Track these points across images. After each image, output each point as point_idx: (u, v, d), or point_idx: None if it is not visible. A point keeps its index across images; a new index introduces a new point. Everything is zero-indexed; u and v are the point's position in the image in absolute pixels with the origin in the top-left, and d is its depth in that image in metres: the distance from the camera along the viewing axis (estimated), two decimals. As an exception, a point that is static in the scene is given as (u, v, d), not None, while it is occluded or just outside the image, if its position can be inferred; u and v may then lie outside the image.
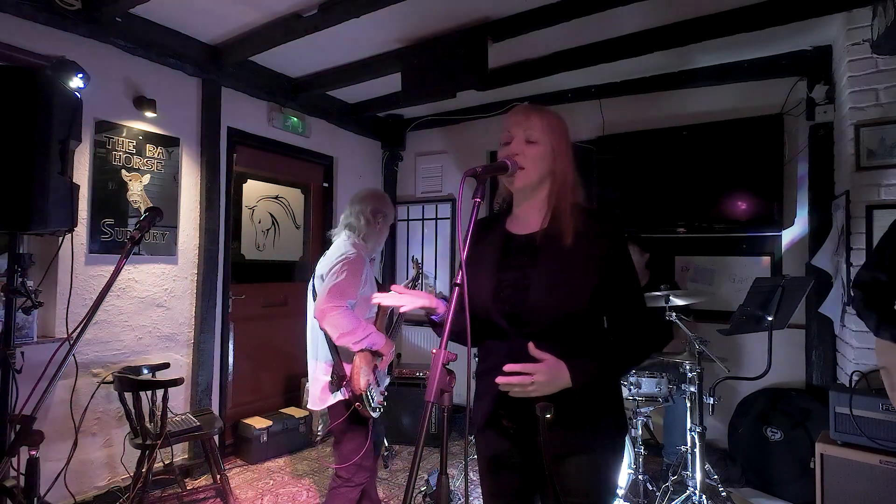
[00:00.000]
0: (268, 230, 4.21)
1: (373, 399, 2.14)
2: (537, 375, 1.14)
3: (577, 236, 1.25)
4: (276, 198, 4.28)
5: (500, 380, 1.16)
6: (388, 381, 2.32)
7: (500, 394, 1.28)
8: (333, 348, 2.14)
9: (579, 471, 1.26)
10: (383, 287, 2.56)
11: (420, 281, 4.76)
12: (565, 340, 1.22)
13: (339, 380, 2.12)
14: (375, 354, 2.17)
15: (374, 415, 2.14)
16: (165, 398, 2.53)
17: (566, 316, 1.23)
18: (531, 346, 1.17)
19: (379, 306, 2.28)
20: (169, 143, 3.24)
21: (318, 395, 2.19)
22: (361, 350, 2.09)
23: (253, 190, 4.08)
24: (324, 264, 2.20)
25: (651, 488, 2.83)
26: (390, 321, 2.54)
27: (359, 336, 2.05)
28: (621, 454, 1.36)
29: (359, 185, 4.79)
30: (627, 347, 1.28)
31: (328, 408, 2.17)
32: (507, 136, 1.31)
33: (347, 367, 2.12)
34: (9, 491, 1.60)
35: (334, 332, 2.04)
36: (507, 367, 1.16)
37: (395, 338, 2.44)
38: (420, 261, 2.91)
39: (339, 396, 2.13)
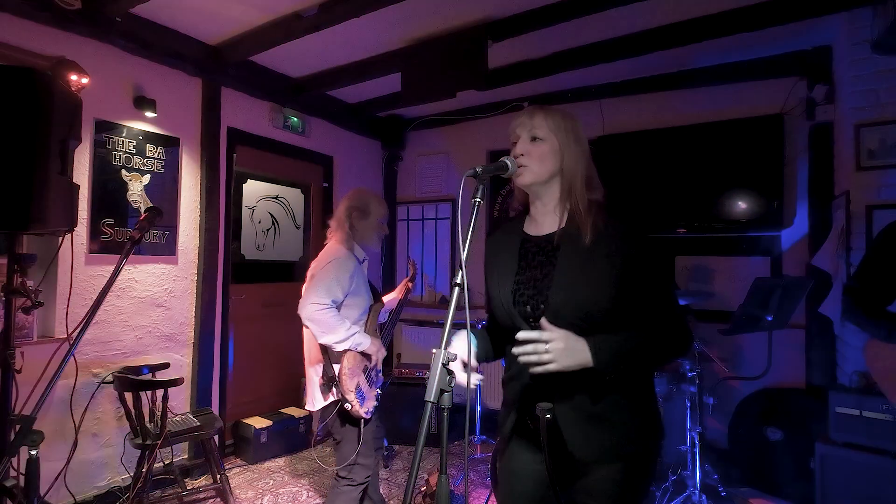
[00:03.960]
0: (268, 230, 4.21)
1: (363, 400, 2.12)
2: (553, 343, 1.11)
3: (597, 235, 1.23)
4: (276, 198, 4.28)
5: (516, 350, 1.14)
6: (381, 382, 2.30)
7: (526, 400, 1.28)
8: (324, 349, 2.14)
9: (608, 479, 1.22)
10: (381, 290, 2.58)
11: (418, 279, 4.77)
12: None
13: (328, 381, 2.12)
14: (364, 355, 2.17)
15: (367, 416, 2.12)
16: (165, 398, 2.53)
17: (587, 315, 1.20)
18: (544, 321, 1.15)
19: (370, 309, 2.27)
20: (169, 143, 3.24)
21: (315, 395, 2.19)
22: (348, 350, 2.09)
23: (253, 190, 4.09)
24: (315, 266, 2.20)
25: (651, 488, 2.83)
26: (390, 322, 2.54)
27: (341, 336, 2.04)
28: (654, 462, 1.29)
29: (359, 186, 4.80)
30: (652, 340, 1.21)
31: (322, 409, 2.17)
32: (514, 137, 1.31)
33: (337, 368, 2.12)
34: (9, 491, 1.59)
35: (316, 330, 2.04)
36: (520, 336, 1.13)
37: (387, 339, 2.40)
38: (415, 259, 2.92)
39: (331, 397, 2.13)
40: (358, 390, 2.10)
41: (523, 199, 1.40)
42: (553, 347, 1.11)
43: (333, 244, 2.24)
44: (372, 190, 2.40)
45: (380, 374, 2.30)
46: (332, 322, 2.03)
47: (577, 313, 1.20)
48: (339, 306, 2.11)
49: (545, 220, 1.34)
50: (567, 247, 1.26)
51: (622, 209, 1.28)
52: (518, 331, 1.23)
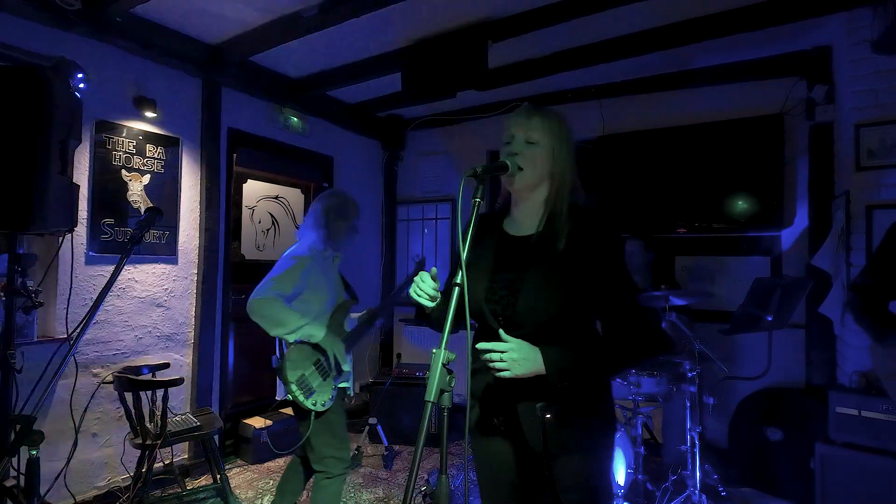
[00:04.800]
0: (268, 230, 4.21)
1: (310, 392, 2.12)
2: (509, 353, 1.17)
3: (572, 239, 1.26)
4: (276, 198, 4.28)
5: (482, 357, 1.21)
6: (344, 378, 2.26)
7: (491, 391, 1.31)
8: (280, 341, 2.18)
9: (573, 469, 1.27)
10: (381, 289, 2.55)
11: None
12: (556, 342, 1.22)
13: (276, 371, 2.17)
14: (317, 349, 2.17)
15: (315, 408, 2.12)
16: (165, 398, 2.53)
17: (555, 319, 1.24)
18: (501, 332, 1.21)
19: (335, 306, 2.29)
20: (169, 143, 3.23)
21: (279, 386, 2.25)
22: (299, 343, 2.12)
23: (253, 190, 4.09)
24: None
25: (651, 488, 2.83)
26: (369, 320, 2.46)
27: (290, 327, 2.06)
28: (612, 454, 1.39)
29: (359, 185, 4.80)
30: (612, 347, 1.27)
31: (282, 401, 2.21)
32: (508, 136, 1.32)
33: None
34: (9, 491, 1.60)
35: (262, 323, 2.07)
36: (479, 346, 1.20)
37: (354, 340, 2.34)
38: (422, 256, 2.85)
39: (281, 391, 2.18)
40: (301, 382, 2.11)
41: (507, 198, 1.41)
42: (507, 357, 1.17)
43: (300, 242, 2.26)
44: (348, 192, 2.40)
45: (344, 370, 2.24)
46: (275, 315, 2.05)
47: (543, 317, 1.24)
48: (290, 301, 2.12)
49: (525, 221, 1.36)
50: (542, 251, 1.28)
51: (596, 216, 1.30)
52: (487, 327, 1.28)
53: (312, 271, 2.16)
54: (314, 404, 2.11)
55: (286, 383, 2.09)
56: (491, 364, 1.20)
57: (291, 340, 2.11)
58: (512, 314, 1.26)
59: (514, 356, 1.18)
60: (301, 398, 2.09)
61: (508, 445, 1.35)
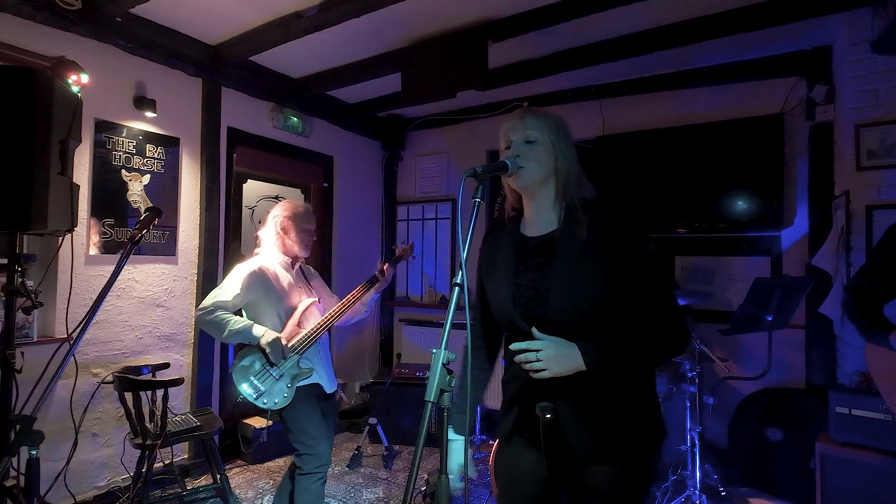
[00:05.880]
0: (268, 230, 4.21)
1: (260, 393, 2.16)
2: (543, 351, 1.14)
3: (593, 232, 1.24)
4: (276, 198, 4.28)
5: (516, 359, 1.19)
6: (306, 375, 2.25)
7: (525, 400, 1.29)
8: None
9: (607, 478, 1.22)
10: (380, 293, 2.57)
11: (417, 279, 4.76)
12: (590, 338, 1.19)
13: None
14: (264, 351, 2.20)
15: (268, 407, 2.17)
16: (165, 398, 2.53)
17: (589, 313, 1.21)
18: (534, 330, 1.18)
19: (290, 309, 2.32)
20: (169, 143, 3.23)
21: None
22: (246, 346, 2.21)
23: (253, 190, 4.09)
24: None
25: (651, 488, 2.83)
26: (367, 289, 2.47)
27: (224, 334, 2.15)
28: (655, 462, 1.27)
29: (359, 185, 4.80)
30: (646, 339, 1.22)
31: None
32: (507, 141, 1.32)
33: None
34: (9, 491, 1.59)
35: (206, 331, 2.21)
36: (512, 347, 1.17)
37: (310, 343, 2.31)
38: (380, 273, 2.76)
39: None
40: (247, 381, 2.18)
41: (517, 202, 1.40)
42: (543, 355, 1.14)
43: (254, 254, 2.36)
44: (302, 202, 2.47)
45: (294, 371, 2.24)
46: (215, 323, 2.14)
47: (576, 313, 1.21)
48: (239, 308, 2.23)
49: (541, 220, 1.34)
50: (565, 247, 1.26)
51: (615, 207, 1.29)
52: (519, 332, 1.25)
53: (260, 279, 2.25)
54: (265, 403, 2.18)
55: (233, 385, 2.18)
56: (527, 364, 1.15)
57: (234, 344, 2.22)
58: (543, 314, 1.23)
59: (551, 353, 1.14)
60: (251, 399, 2.17)
61: (544, 458, 1.27)
